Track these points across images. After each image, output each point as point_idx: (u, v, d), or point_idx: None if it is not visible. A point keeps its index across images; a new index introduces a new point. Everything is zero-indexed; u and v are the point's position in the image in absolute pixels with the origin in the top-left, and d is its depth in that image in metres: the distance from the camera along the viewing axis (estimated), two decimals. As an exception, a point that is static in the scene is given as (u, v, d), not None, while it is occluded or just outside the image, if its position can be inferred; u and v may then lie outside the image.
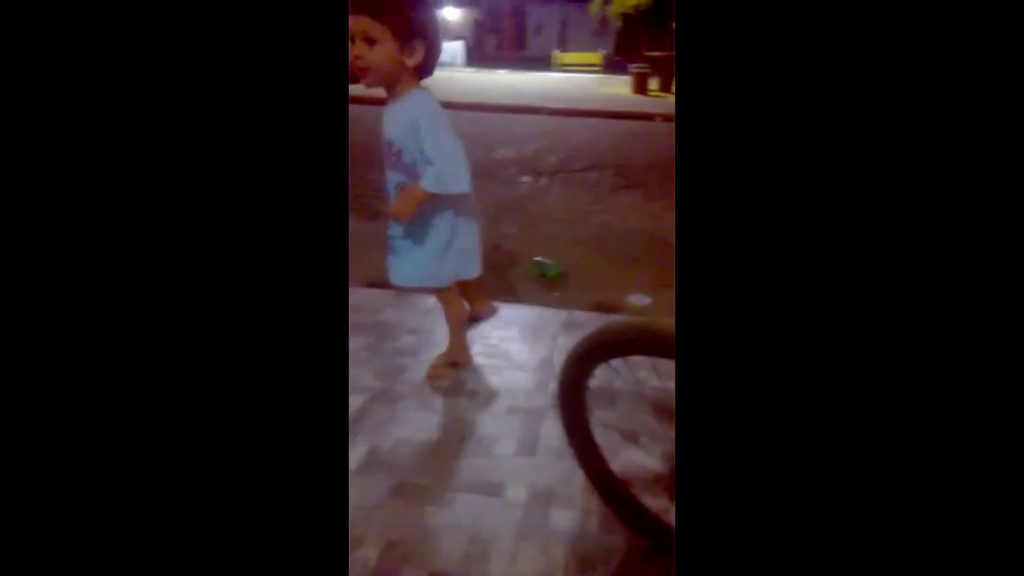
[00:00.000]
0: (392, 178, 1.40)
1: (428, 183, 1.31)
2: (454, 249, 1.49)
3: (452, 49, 18.62)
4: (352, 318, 2.03)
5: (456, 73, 15.50)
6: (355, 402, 1.60)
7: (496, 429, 1.52)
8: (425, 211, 1.39)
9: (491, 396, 1.65)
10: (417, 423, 1.54)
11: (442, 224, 1.45)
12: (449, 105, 1.45)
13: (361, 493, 1.30)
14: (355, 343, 1.88)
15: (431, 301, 1.99)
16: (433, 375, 1.71)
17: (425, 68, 1.32)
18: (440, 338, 1.87)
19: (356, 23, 1.18)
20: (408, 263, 1.47)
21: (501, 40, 24.72)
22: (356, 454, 1.42)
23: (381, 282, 2.33)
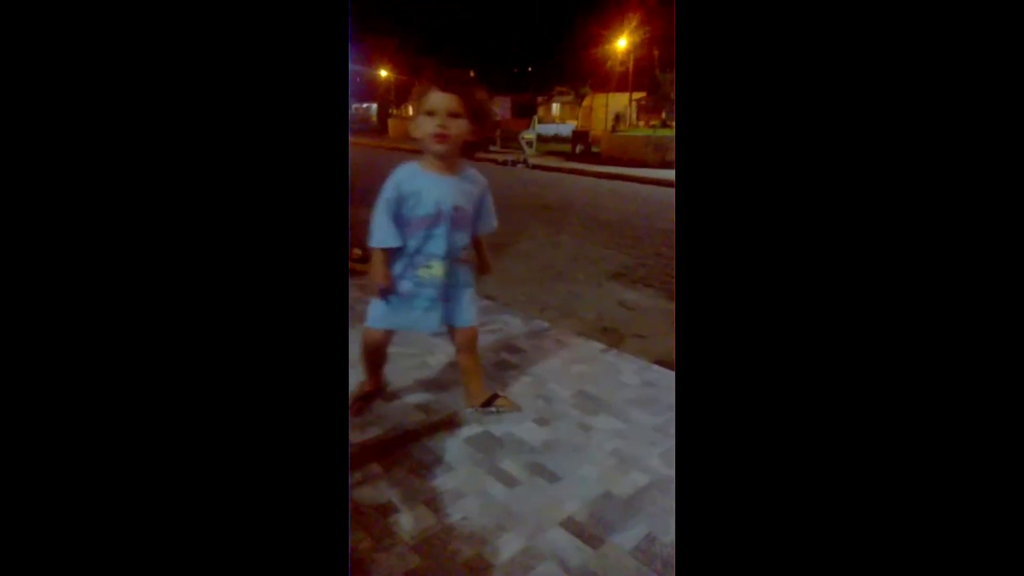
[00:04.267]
0: (459, 239, 1.59)
1: (489, 229, 1.68)
2: None
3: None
4: (644, 393, 1.89)
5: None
6: (636, 480, 1.42)
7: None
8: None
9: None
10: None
11: None
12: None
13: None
14: (647, 420, 1.72)
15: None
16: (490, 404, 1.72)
17: (476, 147, 1.60)
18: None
19: (447, 100, 1.47)
20: (471, 305, 1.66)
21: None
22: (631, 536, 1.23)
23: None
